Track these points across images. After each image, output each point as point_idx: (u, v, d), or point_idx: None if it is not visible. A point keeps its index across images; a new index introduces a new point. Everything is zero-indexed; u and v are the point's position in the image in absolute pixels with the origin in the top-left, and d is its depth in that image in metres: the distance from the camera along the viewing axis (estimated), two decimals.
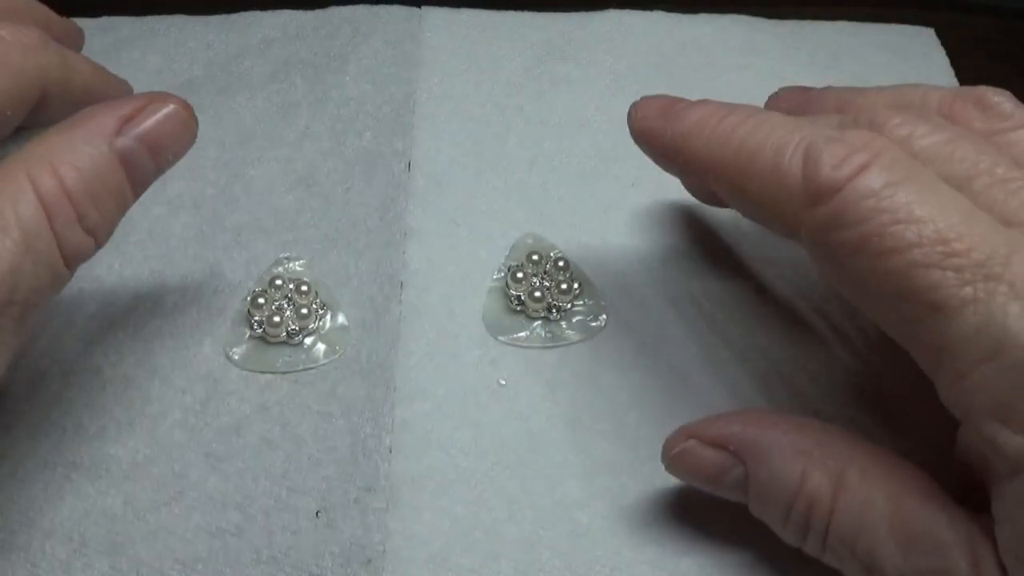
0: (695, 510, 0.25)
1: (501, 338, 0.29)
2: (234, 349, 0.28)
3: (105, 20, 0.38)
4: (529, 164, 0.34)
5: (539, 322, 0.29)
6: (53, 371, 0.27)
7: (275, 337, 0.28)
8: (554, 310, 0.29)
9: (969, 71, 0.37)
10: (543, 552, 0.25)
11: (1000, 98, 0.23)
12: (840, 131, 0.22)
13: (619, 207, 0.32)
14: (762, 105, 0.29)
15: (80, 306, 0.29)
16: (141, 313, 0.29)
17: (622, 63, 0.37)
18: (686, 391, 0.27)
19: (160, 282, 0.30)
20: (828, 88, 0.27)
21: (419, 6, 0.39)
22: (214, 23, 0.38)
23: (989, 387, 0.19)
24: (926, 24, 0.39)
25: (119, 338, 0.28)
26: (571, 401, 0.27)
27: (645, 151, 0.26)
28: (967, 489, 0.21)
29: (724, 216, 0.31)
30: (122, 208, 0.23)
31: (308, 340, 0.28)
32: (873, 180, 0.20)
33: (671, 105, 0.25)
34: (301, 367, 0.28)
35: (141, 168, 0.23)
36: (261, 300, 0.28)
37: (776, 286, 0.30)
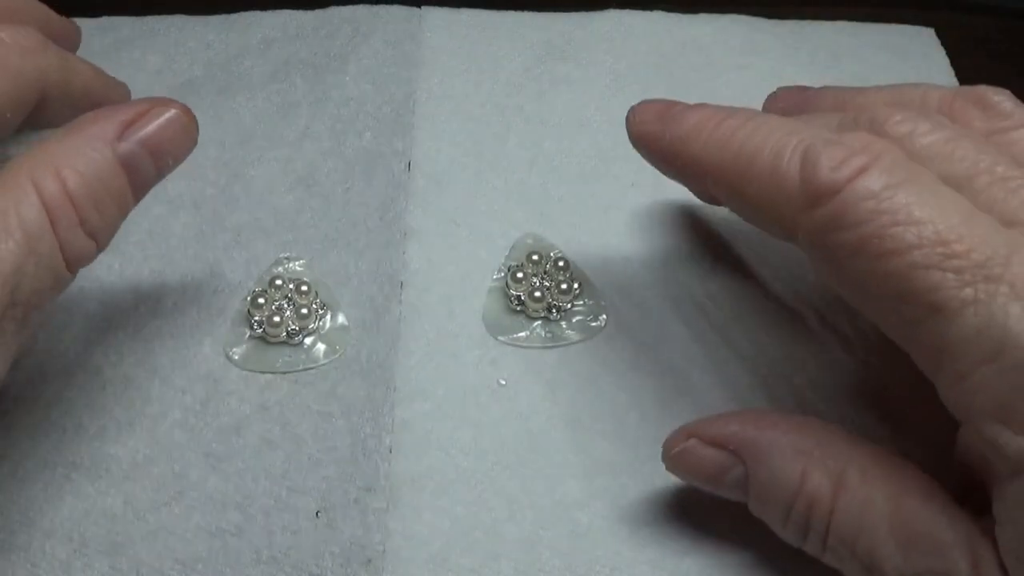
0: (695, 510, 0.25)
1: (501, 338, 0.29)
2: (234, 349, 0.28)
3: (105, 20, 0.38)
4: (529, 164, 0.34)
5: (539, 322, 0.29)
6: (53, 371, 0.27)
7: (275, 337, 0.28)
8: (554, 310, 0.29)
9: (969, 71, 0.37)
10: (543, 552, 0.25)
11: (1000, 97, 0.23)
12: (839, 133, 0.22)
13: (619, 207, 0.32)
14: (761, 105, 0.29)
15: (80, 306, 0.29)
16: (141, 313, 0.29)
17: (622, 63, 0.37)
18: (686, 391, 0.27)
19: (160, 282, 0.30)
20: (826, 88, 0.27)
21: (419, 6, 0.39)
22: (214, 23, 0.38)
23: (990, 388, 0.19)
24: (926, 24, 0.39)
25: (119, 338, 0.28)
26: (571, 401, 0.27)
27: (644, 155, 0.26)
28: (967, 490, 0.21)
29: (724, 216, 0.31)
30: (123, 212, 0.23)
31: (308, 340, 0.28)
32: (872, 182, 0.20)
33: (669, 109, 0.25)
34: (301, 367, 0.28)
35: (142, 172, 0.23)
36: (261, 300, 0.28)
37: (776, 286, 0.30)
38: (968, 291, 0.19)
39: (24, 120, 0.25)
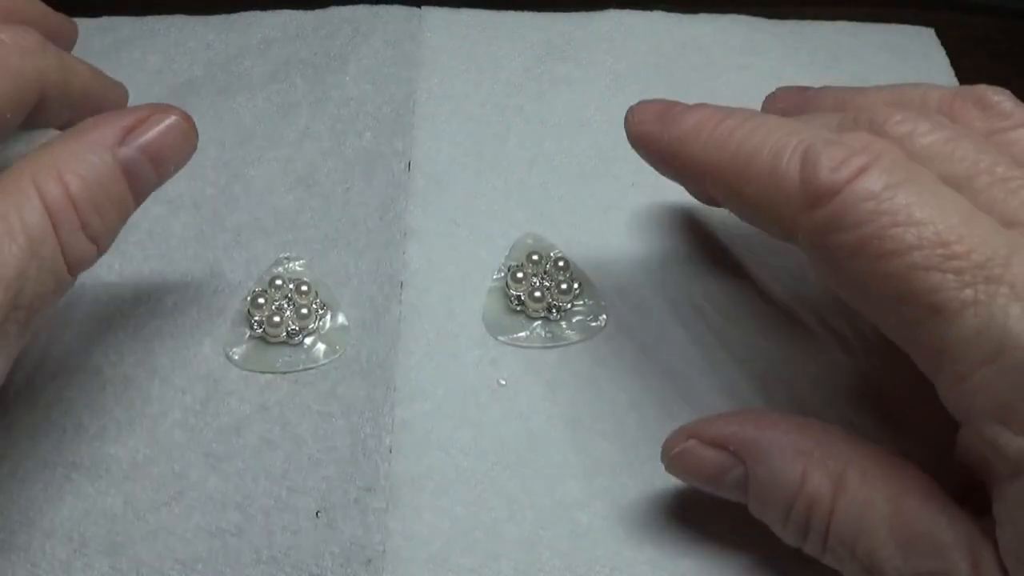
0: (695, 510, 0.25)
1: (501, 338, 0.29)
2: (234, 349, 0.28)
3: (105, 20, 0.38)
4: (529, 164, 0.34)
5: (539, 322, 0.29)
6: (53, 371, 0.27)
7: (275, 337, 0.28)
8: (554, 310, 0.29)
9: (969, 71, 0.37)
10: (543, 552, 0.25)
11: (1000, 97, 0.23)
12: (839, 133, 0.22)
13: (619, 207, 0.32)
14: (760, 105, 0.29)
15: (80, 306, 0.29)
16: (141, 313, 0.29)
17: (622, 63, 0.37)
18: (686, 392, 0.27)
19: (160, 282, 0.30)
20: (826, 88, 0.27)
21: (419, 6, 0.39)
22: (214, 23, 0.38)
23: (990, 389, 0.18)
24: (926, 24, 0.39)
25: (119, 338, 0.28)
26: (571, 401, 0.27)
27: (642, 156, 0.26)
28: (967, 490, 0.21)
29: (724, 217, 0.31)
30: (124, 216, 0.23)
31: (308, 340, 0.28)
32: (872, 182, 0.20)
33: (668, 109, 0.25)
34: (301, 367, 0.28)
35: (143, 178, 0.23)
36: (261, 300, 0.28)
37: (775, 287, 0.30)
38: (968, 292, 0.19)
39: (23, 120, 0.25)
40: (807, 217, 0.21)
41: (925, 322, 0.19)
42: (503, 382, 0.28)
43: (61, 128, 0.27)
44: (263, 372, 0.28)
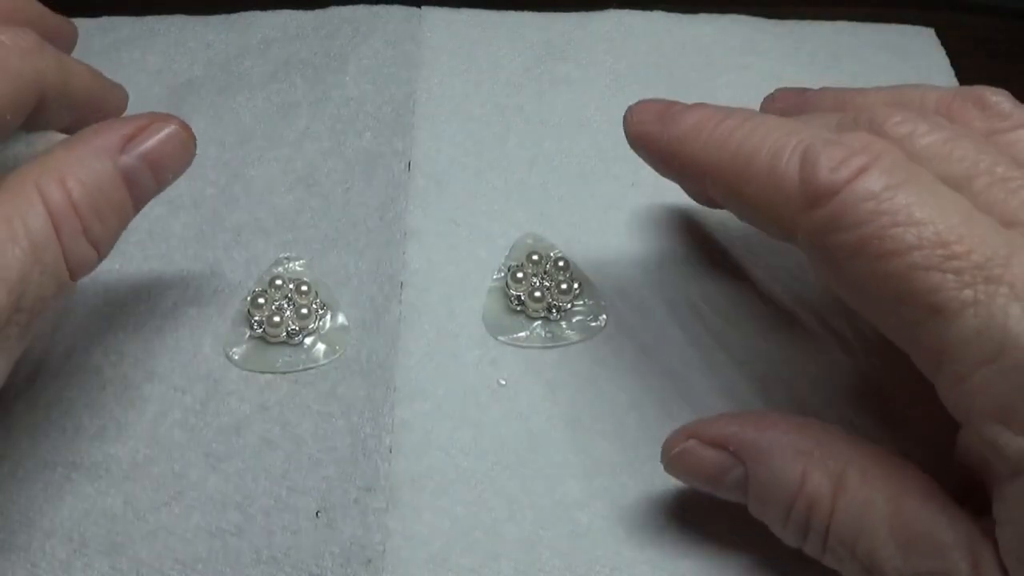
0: (695, 511, 0.25)
1: (501, 338, 0.29)
2: (234, 349, 0.28)
3: (105, 20, 0.38)
4: (529, 164, 0.34)
5: (539, 322, 0.29)
6: (53, 371, 0.27)
7: (275, 337, 0.28)
8: (554, 310, 0.29)
9: (969, 71, 0.37)
10: (543, 552, 0.25)
11: (999, 98, 0.23)
12: (839, 133, 0.22)
13: (619, 207, 0.32)
14: (759, 105, 0.29)
15: (80, 306, 0.29)
16: (141, 313, 0.29)
17: (622, 63, 0.37)
18: (686, 392, 0.27)
19: (160, 282, 0.30)
20: (826, 88, 0.27)
21: (419, 6, 0.39)
22: (214, 23, 0.38)
23: (990, 389, 0.18)
24: (926, 24, 0.39)
25: (119, 338, 0.28)
26: (571, 401, 0.27)
27: (642, 156, 0.26)
28: (967, 490, 0.21)
29: (724, 217, 0.31)
30: (124, 222, 0.23)
31: (308, 340, 0.28)
32: (872, 183, 0.20)
33: (667, 109, 0.25)
34: (301, 367, 0.28)
35: (142, 185, 0.23)
36: (261, 300, 0.28)
37: (775, 287, 0.30)
38: (968, 292, 0.19)
39: (23, 122, 0.25)
40: (807, 217, 0.21)
41: (925, 322, 0.19)
42: (503, 382, 0.28)
43: (61, 130, 0.27)
44: (263, 372, 0.28)
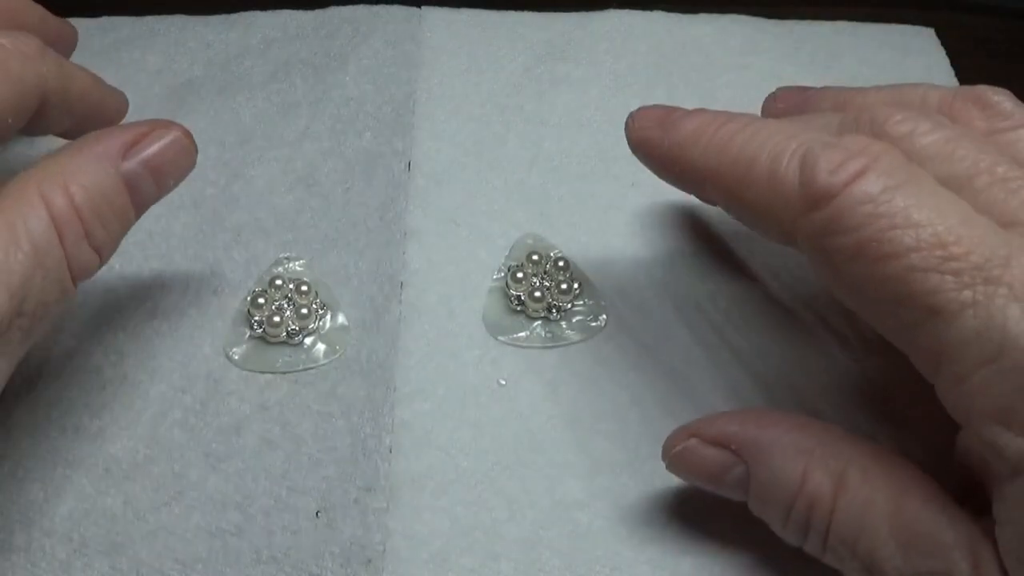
0: (695, 510, 0.25)
1: (501, 338, 0.29)
2: (234, 349, 0.28)
3: (105, 20, 0.38)
4: (529, 164, 0.34)
5: (539, 322, 0.29)
6: (53, 371, 0.27)
7: (275, 337, 0.28)
8: (554, 310, 0.29)
9: (969, 71, 0.37)
10: (543, 552, 0.25)
11: (1000, 97, 0.23)
12: (838, 135, 0.22)
13: (619, 207, 0.32)
14: (760, 105, 0.29)
15: (80, 306, 0.29)
16: (141, 313, 0.29)
17: (622, 63, 0.37)
18: (686, 391, 0.27)
19: (160, 282, 0.30)
20: (826, 88, 0.27)
21: (419, 6, 0.39)
22: (214, 23, 0.38)
23: (989, 390, 0.18)
24: (926, 24, 0.39)
25: (119, 338, 0.28)
26: (571, 401, 0.27)
27: (643, 161, 0.26)
28: (968, 491, 0.21)
29: (724, 217, 0.31)
30: (125, 228, 0.24)
31: (308, 340, 0.28)
32: (870, 185, 0.20)
33: (668, 114, 0.25)
34: (301, 367, 0.28)
35: (144, 191, 0.24)
36: (261, 300, 0.28)
37: (775, 287, 0.30)
38: (967, 293, 0.19)
39: (24, 126, 0.25)
40: (806, 220, 0.21)
41: (924, 324, 0.19)
42: (503, 382, 0.28)
43: (60, 135, 0.28)
44: (263, 372, 0.28)
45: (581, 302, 0.29)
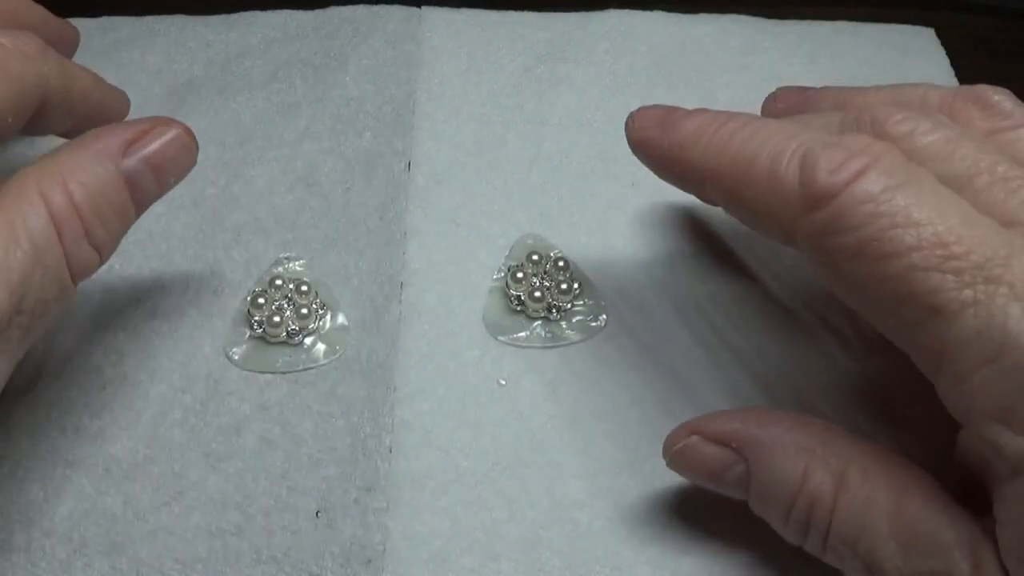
0: (696, 510, 0.25)
1: (501, 338, 0.29)
2: (234, 349, 0.28)
3: (105, 20, 0.38)
4: (529, 164, 0.34)
5: (539, 322, 0.29)
6: (53, 371, 0.27)
7: (275, 337, 0.28)
8: (554, 310, 0.29)
9: (969, 71, 0.37)
10: (543, 552, 0.24)
11: (1000, 97, 0.23)
12: (839, 135, 0.22)
13: (619, 207, 0.32)
14: (760, 105, 0.29)
15: (80, 306, 0.29)
16: (141, 313, 0.29)
17: (622, 63, 0.37)
18: (687, 391, 0.27)
19: (160, 282, 0.30)
20: (826, 88, 0.27)
21: (419, 6, 0.39)
22: (214, 23, 0.38)
23: (990, 389, 0.18)
24: (926, 24, 0.39)
25: (119, 338, 0.28)
26: (571, 401, 0.27)
27: (643, 161, 0.26)
28: (968, 491, 0.21)
29: (724, 216, 0.31)
30: (125, 226, 0.24)
31: (308, 340, 0.28)
32: (871, 184, 0.20)
33: (668, 115, 0.25)
34: (301, 367, 0.28)
35: (144, 189, 0.24)
36: (261, 300, 0.28)
37: (776, 287, 0.30)
38: (968, 292, 0.19)
39: (24, 126, 0.25)
40: (806, 220, 0.21)
41: (924, 323, 0.19)
42: (503, 382, 0.28)
43: (61, 134, 0.28)
44: (263, 372, 0.28)
45: (581, 302, 0.29)
